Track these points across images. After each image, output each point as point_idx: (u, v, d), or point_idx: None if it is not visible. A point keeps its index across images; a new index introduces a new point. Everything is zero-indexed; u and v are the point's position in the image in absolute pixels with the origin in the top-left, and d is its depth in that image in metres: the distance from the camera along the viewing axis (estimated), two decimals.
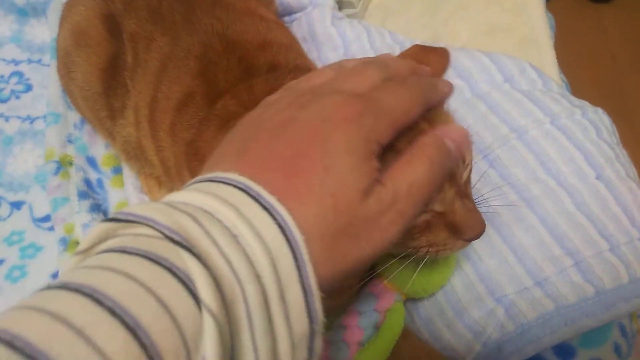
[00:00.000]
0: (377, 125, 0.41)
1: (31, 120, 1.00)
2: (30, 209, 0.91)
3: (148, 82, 0.76)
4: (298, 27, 1.01)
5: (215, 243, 0.33)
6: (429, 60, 0.55)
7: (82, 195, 0.89)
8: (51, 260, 0.86)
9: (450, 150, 0.44)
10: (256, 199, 0.36)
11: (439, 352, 0.69)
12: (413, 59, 0.54)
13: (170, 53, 0.75)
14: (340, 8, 1.06)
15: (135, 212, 0.34)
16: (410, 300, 0.72)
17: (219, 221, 0.35)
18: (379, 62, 0.48)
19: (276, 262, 0.35)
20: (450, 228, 0.52)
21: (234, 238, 0.34)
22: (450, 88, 0.51)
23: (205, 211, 0.36)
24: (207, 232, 0.34)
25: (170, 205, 0.35)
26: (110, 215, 0.35)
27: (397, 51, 0.92)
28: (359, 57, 0.93)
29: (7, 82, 1.04)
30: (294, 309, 0.36)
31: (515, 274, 0.68)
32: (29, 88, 1.04)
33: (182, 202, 0.36)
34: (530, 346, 0.65)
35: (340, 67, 0.49)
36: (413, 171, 0.41)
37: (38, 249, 0.88)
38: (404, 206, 0.40)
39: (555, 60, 0.90)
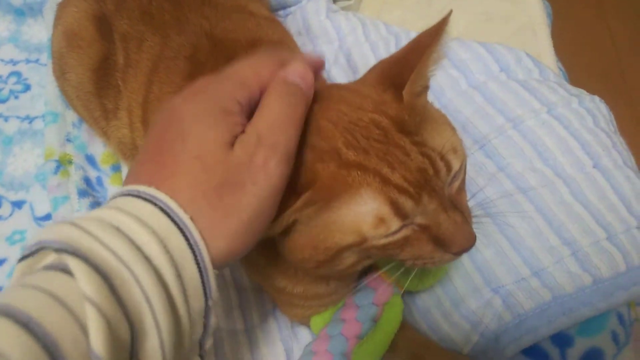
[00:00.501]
0: (224, 87, 0.45)
1: (30, 119, 1.01)
2: (31, 208, 0.91)
3: (140, 83, 0.76)
4: (293, 21, 1.01)
5: (97, 239, 0.36)
6: (424, 34, 0.53)
7: (82, 193, 0.89)
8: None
9: (296, 84, 0.46)
10: (138, 195, 0.40)
11: (436, 344, 0.69)
12: (413, 40, 0.54)
13: (161, 53, 0.74)
14: (335, 1, 1.06)
15: (37, 239, 0.37)
16: (408, 292, 0.72)
17: (104, 222, 0.38)
18: None
19: (167, 243, 0.38)
20: (435, 241, 0.50)
21: (117, 230, 0.37)
22: (317, 58, 0.53)
23: (94, 218, 0.38)
24: (88, 233, 0.36)
25: (66, 221, 0.38)
26: (20, 255, 0.38)
27: (392, 43, 0.92)
28: (354, 50, 0.93)
29: (6, 82, 1.04)
30: (191, 286, 0.39)
31: (512, 264, 0.67)
32: (27, 88, 1.04)
33: (78, 218, 0.39)
34: (527, 336, 0.65)
35: None
36: (268, 111, 0.44)
37: None
38: (272, 140, 0.42)
39: (553, 49, 0.90)
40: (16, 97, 1.03)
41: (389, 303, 0.69)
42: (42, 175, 0.92)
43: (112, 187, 0.94)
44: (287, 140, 0.44)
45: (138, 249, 0.37)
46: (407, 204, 0.47)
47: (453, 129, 0.55)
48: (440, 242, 0.50)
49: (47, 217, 0.90)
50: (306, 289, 0.66)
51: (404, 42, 0.90)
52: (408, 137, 0.49)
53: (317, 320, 0.71)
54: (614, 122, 0.79)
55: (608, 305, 0.64)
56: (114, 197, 0.41)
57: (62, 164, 0.92)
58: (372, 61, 0.91)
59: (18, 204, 0.92)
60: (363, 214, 0.47)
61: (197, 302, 0.39)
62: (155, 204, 0.39)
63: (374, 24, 0.96)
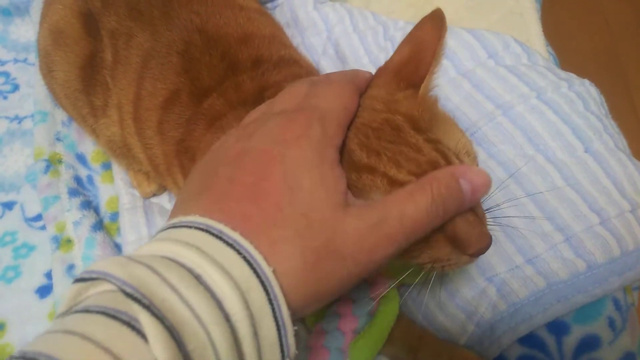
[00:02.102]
0: (326, 130, 0.41)
1: (19, 120, 1.00)
2: (22, 208, 0.91)
3: (130, 80, 0.76)
4: (281, 14, 1.00)
5: (173, 289, 0.32)
6: (424, 30, 0.54)
7: (73, 192, 0.89)
8: (44, 259, 0.86)
9: (462, 193, 0.43)
10: (219, 236, 0.36)
11: (432, 335, 0.69)
12: (412, 37, 0.54)
13: (151, 49, 0.74)
14: None
15: (96, 269, 0.33)
16: (403, 284, 0.72)
17: (180, 265, 0.34)
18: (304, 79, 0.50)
19: (247, 296, 0.34)
20: (452, 242, 0.49)
21: (197, 279, 0.34)
22: (367, 74, 0.52)
23: (166, 257, 0.35)
24: (164, 279, 0.33)
25: (130, 257, 0.34)
26: (78, 276, 0.34)
27: (380, 32, 0.91)
28: (342, 40, 0.92)
29: None
30: (267, 344, 0.35)
31: (505, 252, 0.67)
32: (15, 88, 1.03)
33: (143, 254, 0.35)
34: (523, 325, 0.64)
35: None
36: (411, 203, 0.40)
37: (31, 248, 0.88)
38: (394, 233, 0.39)
39: (542, 33, 0.89)
40: (5, 98, 1.02)
41: (385, 296, 0.68)
42: (32, 175, 0.91)
43: (103, 185, 0.94)
44: (406, 242, 0.41)
45: (218, 304, 0.33)
46: None
47: (462, 131, 0.54)
48: (456, 243, 0.49)
49: (38, 217, 0.89)
50: None
51: (392, 31, 0.90)
52: (421, 134, 0.48)
53: (311, 315, 0.71)
54: (605, 105, 0.78)
55: (603, 291, 0.63)
56: (185, 225, 0.37)
57: (52, 163, 0.92)
58: (360, 51, 0.90)
59: (9, 205, 0.92)
60: None
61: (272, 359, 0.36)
62: (238, 251, 0.36)
63: (361, 13, 0.95)
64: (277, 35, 0.83)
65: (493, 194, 0.67)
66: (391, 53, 0.86)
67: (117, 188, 0.92)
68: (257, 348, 0.35)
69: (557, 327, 0.64)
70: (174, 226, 0.38)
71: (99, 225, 0.86)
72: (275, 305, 0.35)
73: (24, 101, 1.02)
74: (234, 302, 0.34)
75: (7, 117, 1.00)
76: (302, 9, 0.97)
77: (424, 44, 0.53)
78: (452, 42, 0.83)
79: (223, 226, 0.36)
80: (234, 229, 0.36)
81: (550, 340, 0.64)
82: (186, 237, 0.36)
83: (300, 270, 0.37)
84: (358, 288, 0.68)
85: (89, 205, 0.89)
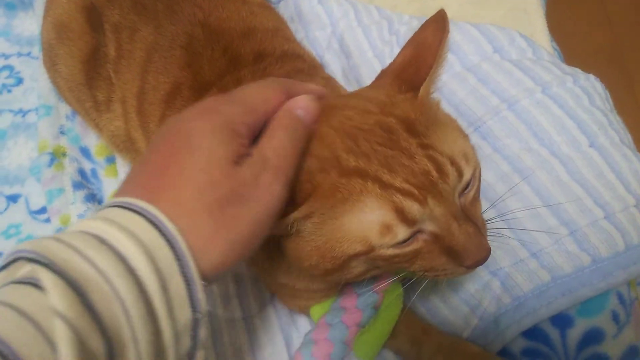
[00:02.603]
0: (235, 110, 0.46)
1: (23, 113, 1.00)
2: (26, 201, 0.91)
3: (134, 73, 0.76)
4: (285, 8, 1.00)
5: (77, 250, 0.35)
6: (427, 32, 0.54)
7: (77, 185, 0.89)
8: None
9: (299, 117, 0.49)
10: (129, 207, 0.39)
11: (435, 328, 0.69)
12: (414, 39, 0.55)
13: (155, 43, 0.74)
14: None
15: (12, 250, 0.37)
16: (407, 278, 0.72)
17: (88, 233, 0.38)
18: None
19: (153, 254, 0.37)
20: (447, 253, 0.49)
21: (102, 242, 0.37)
22: (319, 91, 0.55)
23: (77, 231, 0.38)
24: (68, 245, 0.36)
25: (45, 236, 0.37)
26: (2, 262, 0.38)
27: (385, 26, 0.91)
28: (347, 34, 0.92)
29: None
30: (177, 299, 0.38)
31: (509, 246, 0.67)
32: (19, 81, 1.03)
33: (64, 231, 0.39)
34: (527, 318, 0.64)
35: None
36: (274, 138, 0.46)
37: None
38: (277, 164, 0.44)
39: (546, 28, 0.89)
40: (9, 91, 1.02)
41: (389, 290, 0.68)
42: (36, 168, 0.91)
43: (106, 178, 0.94)
44: (289, 165, 0.46)
45: (122, 260, 0.36)
46: (412, 208, 0.46)
47: (465, 136, 0.54)
48: (452, 254, 0.49)
49: (43, 210, 0.89)
50: (308, 285, 0.66)
51: (397, 25, 0.90)
52: (415, 138, 0.48)
53: (316, 309, 0.71)
54: (610, 101, 0.78)
55: (607, 285, 0.63)
56: (104, 207, 0.41)
57: (56, 156, 0.92)
58: (365, 45, 0.90)
59: (13, 198, 0.92)
60: (368, 222, 0.47)
61: (183, 315, 0.39)
62: (144, 216, 0.39)
63: (366, 8, 0.95)
64: (280, 29, 0.83)
65: (497, 186, 0.68)
66: (396, 47, 0.87)
67: (120, 182, 0.92)
68: (166, 302, 0.37)
69: (561, 321, 0.64)
70: (102, 207, 0.41)
71: None
72: (182, 261, 0.38)
73: (28, 95, 1.02)
74: (138, 259, 0.36)
75: (11, 111, 1.00)
76: (306, 3, 0.97)
77: (426, 45, 0.53)
78: (458, 36, 0.82)
79: (133, 199, 0.40)
80: (147, 200, 0.40)
81: (554, 333, 0.65)
82: (102, 214, 0.40)
83: (205, 222, 0.40)
84: (362, 282, 0.68)
85: (93, 198, 0.89)
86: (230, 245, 0.41)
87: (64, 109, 0.97)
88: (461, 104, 0.77)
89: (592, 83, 0.77)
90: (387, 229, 0.47)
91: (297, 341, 0.73)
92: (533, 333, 0.65)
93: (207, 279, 0.40)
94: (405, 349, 0.69)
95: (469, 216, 0.49)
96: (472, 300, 0.67)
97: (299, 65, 0.75)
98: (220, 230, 0.41)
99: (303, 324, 0.75)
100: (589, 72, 0.80)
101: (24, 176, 0.94)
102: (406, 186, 0.46)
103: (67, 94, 0.87)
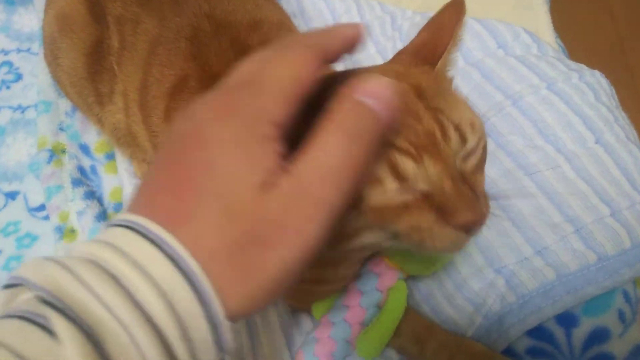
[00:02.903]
0: (262, 104, 0.35)
1: (22, 109, 0.99)
2: (25, 198, 0.90)
3: (137, 66, 0.75)
4: (287, 4, 0.99)
5: (90, 290, 0.30)
6: (444, 16, 0.54)
7: (76, 182, 0.88)
8: (48, 250, 0.85)
9: (372, 110, 0.36)
10: (142, 233, 0.32)
11: (439, 326, 0.68)
12: (432, 22, 0.54)
13: (159, 35, 0.73)
14: None
15: (16, 274, 0.31)
16: (411, 277, 0.71)
17: (100, 266, 0.31)
18: None
19: (172, 298, 0.31)
20: (437, 210, 0.45)
21: (114, 280, 0.31)
22: (353, 29, 0.40)
23: (86, 259, 0.32)
24: (79, 279, 0.30)
25: (52, 259, 0.32)
26: (5, 282, 0.32)
27: (388, 22, 0.90)
28: None
29: None
30: (201, 345, 0.32)
31: (514, 243, 0.66)
32: (19, 77, 1.03)
33: (68, 257, 0.32)
34: (532, 317, 0.64)
35: None
36: (322, 153, 0.34)
37: (34, 238, 0.87)
38: (320, 194, 0.33)
39: (551, 24, 0.88)
40: (8, 87, 1.01)
41: (393, 288, 0.68)
42: (35, 165, 0.91)
43: (106, 175, 0.93)
44: (339, 197, 0.34)
45: (138, 307, 0.30)
46: (407, 164, 0.44)
47: (475, 113, 0.52)
48: (442, 211, 0.45)
49: (41, 207, 0.89)
50: (311, 272, 0.65)
51: (400, 21, 0.89)
52: (423, 102, 0.46)
53: (318, 306, 0.70)
54: (616, 97, 0.78)
55: (613, 283, 0.63)
56: (112, 225, 0.34)
57: (56, 153, 0.91)
58: (368, 42, 0.89)
59: (12, 195, 0.91)
60: None
61: (208, 357, 0.32)
62: (159, 247, 0.32)
63: (368, 3, 0.95)
64: (285, 22, 0.82)
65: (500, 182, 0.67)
66: (399, 43, 0.86)
67: (121, 178, 0.91)
68: (189, 350, 0.31)
69: (567, 320, 0.64)
70: (109, 225, 0.35)
71: (103, 216, 0.86)
72: (205, 304, 0.31)
73: (27, 91, 1.01)
74: (155, 306, 0.30)
75: (10, 107, 0.99)
76: None
77: (443, 27, 0.53)
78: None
79: (148, 221, 0.32)
80: (159, 223, 0.32)
81: (559, 332, 0.64)
82: (111, 237, 0.33)
83: (224, 264, 0.32)
84: (366, 280, 0.67)
85: (92, 195, 0.88)
86: (254, 293, 0.33)
87: (64, 105, 0.96)
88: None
89: (598, 79, 0.76)
90: (378, 182, 0.44)
91: (298, 339, 0.72)
92: (538, 332, 0.65)
93: (232, 319, 0.32)
94: (409, 347, 0.68)
95: (467, 181, 0.47)
96: (477, 298, 0.66)
97: None
98: (240, 276, 0.32)
99: (304, 322, 0.74)
100: (593, 69, 0.79)
101: (23, 173, 0.93)
102: (405, 145, 0.44)
103: (69, 89, 0.86)
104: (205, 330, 0.31)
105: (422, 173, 0.44)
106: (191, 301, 0.31)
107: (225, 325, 0.32)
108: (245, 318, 0.37)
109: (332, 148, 0.34)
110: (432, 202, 0.45)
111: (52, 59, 0.85)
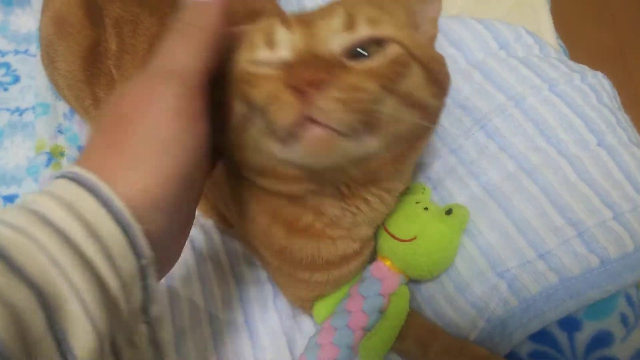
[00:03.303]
0: (184, 90, 0.42)
1: (20, 112, 0.99)
2: None
3: (137, 67, 0.75)
4: (287, 3, 0.98)
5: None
6: None
7: None
8: None
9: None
10: (66, 176, 0.38)
11: (442, 329, 0.68)
12: None
13: (159, 33, 0.73)
14: None
15: None
16: (413, 280, 0.71)
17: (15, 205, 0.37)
18: None
19: (74, 206, 0.36)
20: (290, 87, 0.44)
21: (20, 205, 0.36)
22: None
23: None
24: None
25: None
26: None
27: None
28: None
29: None
30: (114, 247, 0.36)
31: (517, 247, 0.66)
32: (16, 79, 1.02)
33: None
34: (534, 321, 0.63)
35: None
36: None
37: None
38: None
39: (552, 25, 0.88)
40: (5, 89, 1.01)
41: (395, 294, 0.68)
42: (33, 168, 0.90)
43: None
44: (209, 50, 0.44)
45: (37, 215, 0.35)
46: (278, 32, 0.46)
47: (389, 13, 0.50)
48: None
49: None
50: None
51: None
52: None
53: (320, 310, 0.70)
54: (618, 99, 0.77)
55: (617, 287, 0.62)
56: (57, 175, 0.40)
57: (54, 156, 0.90)
58: None
59: (10, 199, 0.91)
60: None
61: (127, 263, 0.37)
62: (72, 179, 0.38)
63: None
64: (282, 15, 0.82)
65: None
66: None
67: None
68: (101, 250, 0.35)
69: (569, 324, 0.64)
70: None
71: None
72: (112, 207, 0.36)
73: (25, 93, 1.01)
74: (54, 212, 0.35)
75: (7, 109, 0.99)
76: None
77: None
78: (463, 31, 0.81)
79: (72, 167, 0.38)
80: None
81: (562, 336, 0.64)
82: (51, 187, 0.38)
83: (106, 153, 0.40)
84: (369, 285, 0.67)
85: None
86: (136, 170, 0.39)
87: (62, 107, 0.96)
88: (466, 101, 0.75)
89: (600, 81, 0.76)
90: (251, 47, 0.47)
91: (300, 344, 0.72)
92: (541, 336, 0.64)
93: (141, 220, 0.38)
94: (412, 351, 0.68)
95: (334, 72, 0.43)
96: (479, 302, 0.66)
97: None
98: (118, 159, 0.39)
99: (306, 327, 0.74)
100: (592, 70, 0.79)
101: (21, 176, 0.92)
102: (289, 17, 0.47)
103: (66, 92, 0.86)
104: (114, 231, 0.36)
105: (289, 40, 0.46)
106: (94, 205, 0.36)
107: (135, 227, 0.37)
108: (156, 207, 0.39)
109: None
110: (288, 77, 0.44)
111: (49, 62, 0.85)
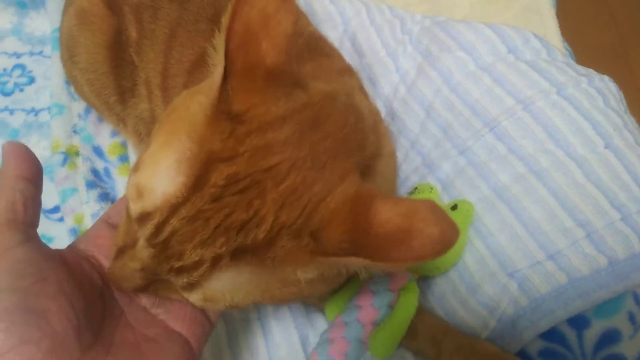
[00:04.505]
0: None
1: (36, 112, 1.00)
2: None
3: (157, 52, 0.75)
4: None
5: None
6: None
7: (90, 185, 0.89)
8: None
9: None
10: None
11: (456, 329, 0.69)
12: None
13: (180, 18, 0.74)
14: None
15: None
16: (423, 278, 0.72)
17: None
18: None
19: None
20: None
21: None
22: None
23: None
24: None
25: None
26: None
27: (397, 26, 0.91)
28: (359, 34, 0.92)
29: (10, 75, 1.04)
30: None
31: (527, 248, 0.67)
32: (32, 80, 1.04)
33: None
34: (544, 320, 0.65)
35: None
36: None
37: (49, 240, 0.88)
38: None
39: (558, 29, 0.89)
40: (21, 90, 1.02)
41: (404, 288, 0.69)
42: (49, 167, 0.91)
43: (119, 177, 0.94)
44: None
45: None
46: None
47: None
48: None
49: (56, 209, 0.90)
50: None
51: (410, 25, 0.90)
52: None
53: (331, 308, 0.71)
54: (624, 102, 0.78)
55: (625, 287, 0.63)
56: None
57: (69, 155, 0.92)
58: (377, 45, 0.90)
59: None
60: None
61: None
62: None
63: (378, 7, 0.95)
64: (301, 13, 0.83)
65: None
66: (409, 46, 0.87)
67: None
68: None
69: (578, 322, 0.65)
70: None
71: None
72: None
73: (40, 94, 1.02)
74: None
75: (23, 110, 1.00)
76: (318, 2, 0.97)
77: None
78: (472, 35, 0.82)
79: None
80: None
81: (571, 334, 0.65)
82: None
83: None
84: (378, 280, 0.68)
85: (106, 197, 0.89)
86: None
87: (77, 107, 0.97)
88: (476, 104, 0.77)
89: (607, 84, 0.77)
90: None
91: (313, 341, 0.73)
92: (550, 334, 0.66)
93: None
94: (426, 349, 0.69)
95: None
96: (490, 302, 0.67)
97: (320, 44, 0.75)
98: None
99: (319, 323, 0.75)
100: (599, 73, 0.80)
101: None
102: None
103: (86, 88, 0.86)
104: None
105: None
106: None
107: None
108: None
109: None
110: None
111: (68, 58, 0.85)
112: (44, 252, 0.43)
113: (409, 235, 0.37)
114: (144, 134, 0.87)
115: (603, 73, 0.80)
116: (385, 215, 0.38)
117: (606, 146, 0.71)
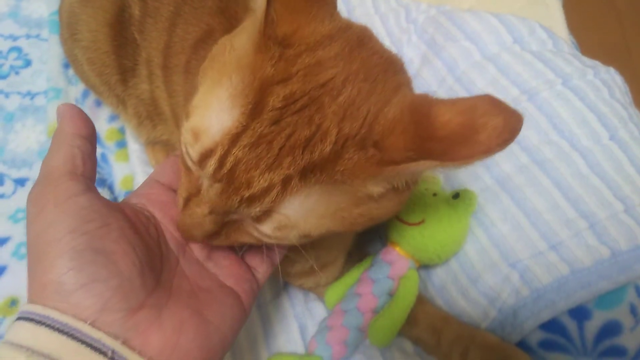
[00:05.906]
0: None
1: (32, 96, 0.99)
2: None
3: (160, 30, 0.74)
4: None
5: None
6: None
7: None
8: None
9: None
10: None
11: (455, 318, 0.69)
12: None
13: None
14: None
15: None
16: (424, 268, 0.72)
17: None
18: None
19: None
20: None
21: None
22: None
23: None
24: None
25: None
26: None
27: (402, 14, 0.90)
28: (364, 22, 0.91)
29: (6, 58, 1.02)
30: None
31: (529, 238, 0.67)
32: (28, 63, 1.02)
33: None
34: (545, 311, 0.64)
35: None
36: None
37: None
38: None
39: (565, 21, 0.89)
40: (17, 73, 1.01)
41: (404, 277, 0.68)
42: (45, 152, 0.89)
43: (117, 163, 0.93)
44: None
45: None
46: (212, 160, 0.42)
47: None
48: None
49: None
50: None
51: (415, 14, 0.89)
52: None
53: (331, 296, 0.71)
54: (630, 94, 0.78)
55: (627, 279, 0.63)
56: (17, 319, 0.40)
57: None
58: (382, 33, 0.90)
59: (21, 182, 0.91)
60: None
61: None
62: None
63: None
64: None
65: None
66: (413, 35, 0.86)
67: (132, 167, 0.91)
68: None
69: (579, 313, 0.64)
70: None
71: None
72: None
73: (36, 77, 1.01)
74: None
75: (19, 93, 0.99)
76: None
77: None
78: (478, 25, 0.82)
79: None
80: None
81: (572, 325, 0.65)
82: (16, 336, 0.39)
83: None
84: (378, 268, 0.68)
85: (103, 183, 0.88)
86: None
87: (74, 92, 0.96)
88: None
89: (612, 76, 0.77)
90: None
91: (312, 329, 0.73)
92: (550, 325, 0.65)
93: None
94: (425, 338, 0.69)
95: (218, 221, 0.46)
96: (491, 292, 0.66)
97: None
98: None
99: (318, 312, 0.75)
100: (604, 65, 0.79)
101: (32, 160, 0.93)
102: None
103: (86, 67, 0.84)
104: None
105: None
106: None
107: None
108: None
109: None
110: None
111: (69, 36, 0.83)
112: (104, 201, 0.44)
113: (473, 130, 0.37)
114: (143, 115, 0.85)
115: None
116: (446, 116, 0.38)
117: (611, 138, 0.70)
